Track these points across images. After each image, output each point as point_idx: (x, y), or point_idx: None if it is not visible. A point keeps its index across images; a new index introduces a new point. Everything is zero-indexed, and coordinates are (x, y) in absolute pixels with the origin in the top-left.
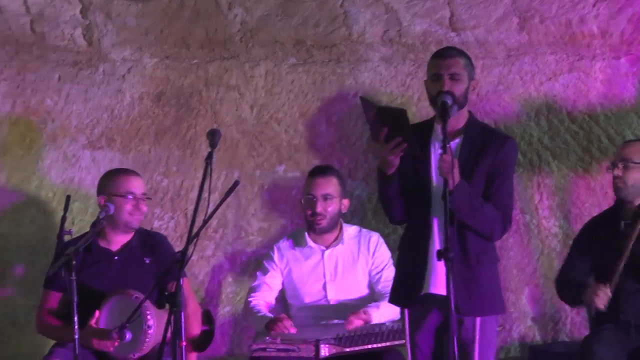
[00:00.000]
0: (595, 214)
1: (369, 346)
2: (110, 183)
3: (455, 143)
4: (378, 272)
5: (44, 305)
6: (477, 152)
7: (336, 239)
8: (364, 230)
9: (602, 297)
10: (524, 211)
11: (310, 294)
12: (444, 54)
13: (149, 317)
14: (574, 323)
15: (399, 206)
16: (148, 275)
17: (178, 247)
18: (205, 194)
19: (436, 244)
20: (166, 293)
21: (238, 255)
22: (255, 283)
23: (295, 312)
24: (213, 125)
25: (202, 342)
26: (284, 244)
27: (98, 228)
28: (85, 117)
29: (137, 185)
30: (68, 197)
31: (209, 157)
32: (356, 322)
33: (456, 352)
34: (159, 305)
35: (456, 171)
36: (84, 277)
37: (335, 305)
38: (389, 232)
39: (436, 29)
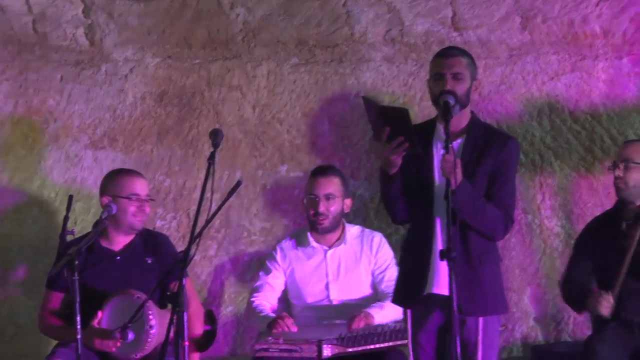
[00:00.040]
0: (597, 213)
1: (372, 346)
2: (113, 184)
3: (457, 143)
4: (381, 272)
5: (46, 305)
6: (479, 152)
7: (339, 238)
8: (366, 230)
9: (606, 305)
10: (526, 211)
11: (312, 294)
12: (447, 54)
13: (151, 317)
14: (577, 323)
15: (401, 206)
16: (150, 275)
17: (180, 247)
18: (207, 194)
19: (439, 244)
20: (168, 293)
21: (240, 255)
22: (258, 283)
23: (297, 312)
24: (215, 125)
25: (204, 342)
26: (287, 243)
27: (100, 228)
28: (88, 117)
29: (141, 187)
30: (70, 197)
31: (212, 157)
32: (358, 323)
33: (459, 352)
34: (161, 305)
35: (458, 171)
36: (86, 277)
37: (338, 305)
38: (391, 232)
39: (438, 28)
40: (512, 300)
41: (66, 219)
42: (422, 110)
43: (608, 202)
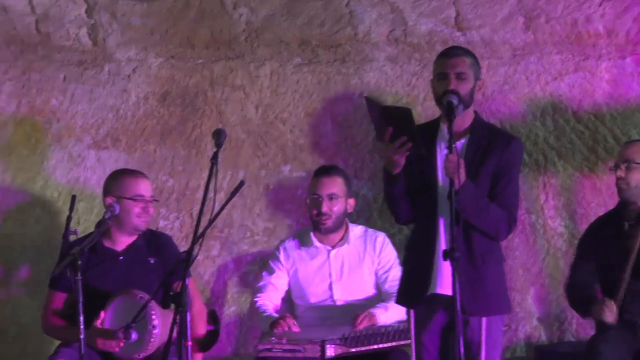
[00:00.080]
0: (601, 213)
1: (375, 346)
2: (117, 184)
3: (461, 143)
4: (385, 272)
5: (49, 305)
6: (482, 152)
7: (342, 238)
8: (369, 230)
9: (610, 314)
10: (530, 211)
11: (316, 294)
12: (450, 53)
13: (154, 317)
14: (580, 323)
15: (404, 206)
16: (153, 275)
17: (183, 247)
18: (210, 194)
19: (442, 244)
20: (171, 293)
21: (243, 256)
22: (261, 283)
23: (301, 312)
24: (218, 125)
25: (207, 342)
26: (290, 243)
27: (103, 228)
28: (91, 117)
29: (145, 188)
30: (73, 197)
31: (215, 157)
32: (363, 323)
33: (462, 352)
34: (164, 305)
35: (462, 171)
36: (89, 277)
37: (341, 306)
38: (394, 232)
39: (442, 28)
40: (516, 300)
41: (69, 219)
42: (425, 110)
43: (611, 202)
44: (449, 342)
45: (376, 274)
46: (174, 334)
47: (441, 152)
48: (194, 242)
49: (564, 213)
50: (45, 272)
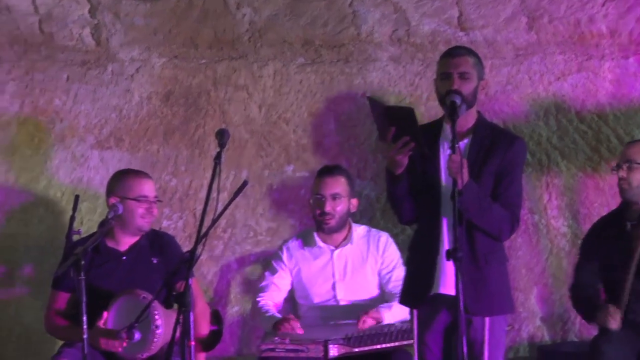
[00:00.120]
0: (604, 213)
1: (378, 346)
2: (121, 185)
3: (464, 143)
4: (388, 272)
5: (52, 305)
6: (485, 152)
7: (345, 238)
8: (373, 230)
9: (613, 321)
10: (533, 211)
11: (319, 294)
12: (454, 53)
13: (157, 317)
14: (583, 323)
15: (407, 206)
16: (156, 275)
17: (187, 247)
18: (214, 194)
19: (445, 244)
20: (174, 293)
21: (247, 255)
22: (264, 283)
23: (304, 312)
24: (221, 125)
25: (210, 342)
26: (293, 243)
27: (106, 228)
28: (94, 117)
29: (149, 189)
30: (77, 197)
31: (218, 157)
32: (368, 322)
33: (465, 352)
34: (167, 305)
35: (465, 171)
36: (92, 277)
37: (345, 306)
38: (397, 232)
39: (445, 28)
40: (519, 300)
41: (72, 219)
42: (428, 110)
43: (614, 202)
44: (452, 342)
45: (379, 274)
46: (177, 334)
47: (444, 152)
48: (197, 242)
49: (567, 213)
50: (48, 272)
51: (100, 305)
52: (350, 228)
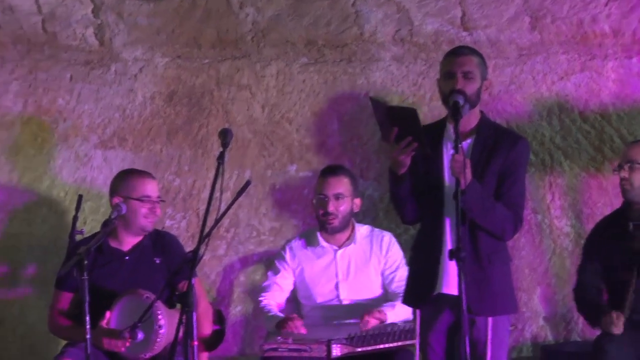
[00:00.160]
0: (607, 213)
1: (381, 346)
2: (125, 185)
3: (467, 143)
4: (391, 272)
5: (55, 305)
6: (489, 152)
7: (348, 238)
8: (376, 229)
9: (616, 329)
10: (536, 211)
11: (322, 293)
12: (458, 52)
13: (160, 317)
14: (586, 322)
15: (410, 206)
16: (158, 275)
17: (190, 246)
18: (217, 194)
19: (448, 244)
20: (177, 293)
21: (250, 255)
22: (266, 283)
23: (307, 311)
24: (224, 125)
25: (213, 342)
26: (296, 243)
27: (109, 228)
28: (97, 117)
29: (152, 189)
30: (80, 197)
31: (221, 157)
32: (372, 322)
33: (468, 352)
34: (170, 305)
35: (468, 171)
36: (95, 277)
37: (348, 305)
38: (400, 232)
39: (448, 28)
40: (522, 300)
41: (75, 218)
42: (431, 110)
43: (617, 201)
44: (455, 342)
45: (382, 274)
46: (180, 334)
47: (447, 152)
48: (200, 242)
49: (570, 213)
50: (51, 271)
51: (103, 305)
52: (353, 228)
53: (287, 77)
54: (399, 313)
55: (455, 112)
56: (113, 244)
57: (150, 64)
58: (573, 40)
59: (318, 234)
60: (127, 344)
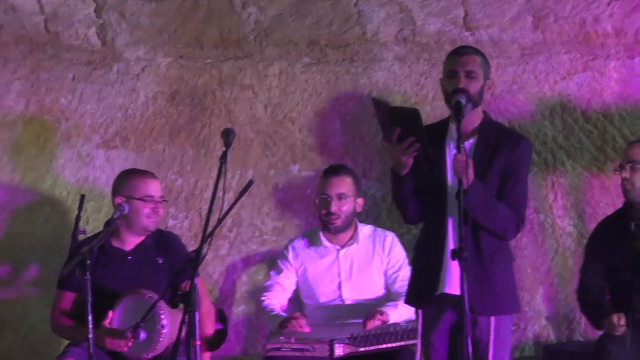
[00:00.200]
0: (609, 213)
1: (384, 346)
2: (127, 185)
3: (469, 143)
4: (394, 272)
5: (58, 305)
6: (491, 152)
7: (351, 238)
8: (378, 229)
9: (618, 331)
10: (539, 210)
11: (325, 293)
12: (461, 52)
13: (162, 316)
14: (589, 322)
15: (413, 206)
16: (161, 275)
17: (192, 246)
18: (219, 193)
19: (451, 243)
20: (179, 292)
21: (252, 255)
22: (268, 282)
23: (310, 311)
24: (227, 125)
25: (215, 342)
26: (299, 243)
27: (112, 228)
28: (99, 117)
29: (155, 188)
30: (82, 196)
31: (224, 157)
32: (374, 322)
33: (470, 351)
34: (172, 304)
35: (470, 171)
36: (97, 277)
37: (350, 305)
38: (403, 231)
39: (450, 28)
40: (525, 300)
41: (78, 218)
42: (434, 110)
43: (619, 201)
44: (457, 342)
45: (385, 274)
46: (183, 334)
47: (450, 152)
48: (202, 242)
49: (572, 212)
50: (54, 271)
51: (106, 304)
52: (356, 228)
53: (289, 76)
54: (401, 313)
55: (457, 112)
56: (115, 243)
57: (153, 64)
58: (575, 40)
59: (321, 234)
60: (130, 344)
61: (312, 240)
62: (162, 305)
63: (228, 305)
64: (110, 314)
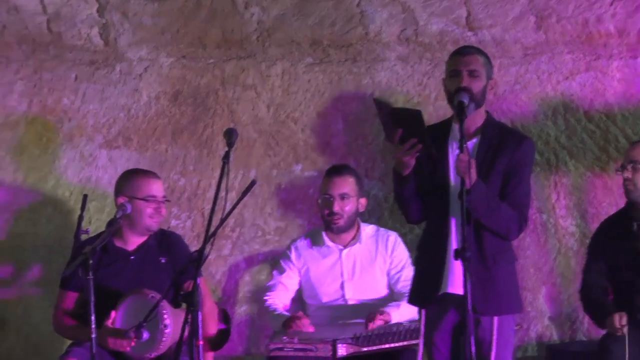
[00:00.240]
0: (612, 213)
1: (387, 345)
2: (130, 184)
3: (472, 143)
4: (397, 272)
5: (60, 305)
6: (494, 152)
7: (354, 238)
8: (381, 229)
9: (621, 330)
10: (541, 210)
11: (327, 293)
12: (463, 52)
13: (165, 316)
14: (591, 322)
15: (415, 206)
16: (164, 274)
17: (195, 246)
18: (222, 193)
19: (454, 243)
20: (182, 292)
21: (255, 255)
22: (271, 282)
23: (312, 311)
24: (230, 125)
25: (218, 341)
26: (302, 243)
27: (114, 227)
28: (102, 117)
29: (157, 188)
30: (85, 197)
31: (226, 157)
32: (375, 323)
33: (473, 351)
34: (175, 304)
35: (473, 171)
36: (100, 277)
37: (353, 305)
38: (405, 231)
39: (453, 28)
40: (527, 300)
41: (81, 218)
42: (436, 109)
43: (622, 201)
44: (460, 342)
45: (388, 274)
46: (186, 334)
47: (453, 152)
48: (205, 242)
49: (575, 212)
50: (56, 271)
51: (109, 304)
52: (358, 227)
53: (292, 76)
54: (403, 312)
55: (460, 112)
56: (118, 243)
57: (155, 64)
58: (578, 39)
59: (323, 234)
60: (133, 344)
61: (314, 240)
62: (165, 305)
63: (231, 305)
64: (113, 313)
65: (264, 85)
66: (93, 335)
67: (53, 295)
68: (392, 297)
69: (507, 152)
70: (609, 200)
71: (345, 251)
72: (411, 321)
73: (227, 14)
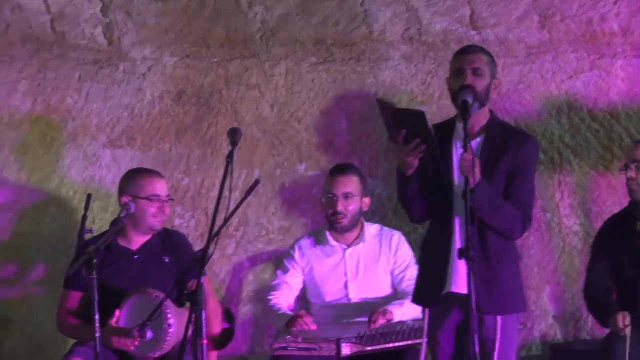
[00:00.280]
0: (616, 211)
1: (390, 345)
2: (133, 184)
3: (476, 142)
4: (401, 272)
5: (64, 304)
6: (497, 151)
7: (357, 237)
8: (385, 228)
9: (623, 331)
10: (545, 209)
11: (331, 292)
12: (467, 50)
13: (169, 315)
14: (595, 321)
15: (418, 206)
16: (167, 274)
17: (199, 245)
18: (225, 193)
19: (457, 242)
20: (186, 291)
21: (259, 254)
22: (275, 282)
23: (316, 310)
24: (233, 124)
25: (222, 341)
26: (305, 242)
27: (118, 227)
28: (106, 116)
29: (161, 187)
30: (89, 196)
31: (230, 156)
32: (378, 322)
33: (477, 350)
34: (179, 303)
35: (477, 170)
36: (103, 276)
37: (357, 304)
38: (409, 230)
39: (456, 27)
40: (531, 299)
41: (84, 217)
42: (440, 109)
43: (626, 200)
44: (464, 341)
45: (392, 274)
46: (189, 333)
47: (457, 151)
48: (209, 241)
49: (579, 211)
50: (60, 270)
51: (112, 303)
52: (362, 227)
53: (295, 76)
54: (407, 311)
55: (464, 111)
56: (122, 242)
57: (159, 63)
58: (582, 38)
59: (327, 233)
60: (137, 343)
61: (318, 239)
62: (169, 304)
63: (235, 304)
64: (116, 313)
65: (268, 84)
66: (97, 335)
67: (57, 295)
68: (395, 296)
69: (511, 151)
70: (613, 199)
71: (349, 250)
72: (415, 320)
73: (230, 13)
